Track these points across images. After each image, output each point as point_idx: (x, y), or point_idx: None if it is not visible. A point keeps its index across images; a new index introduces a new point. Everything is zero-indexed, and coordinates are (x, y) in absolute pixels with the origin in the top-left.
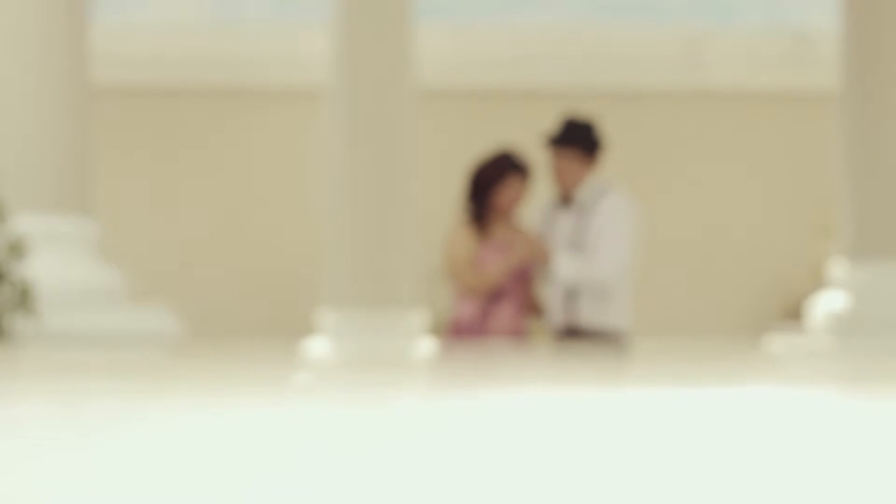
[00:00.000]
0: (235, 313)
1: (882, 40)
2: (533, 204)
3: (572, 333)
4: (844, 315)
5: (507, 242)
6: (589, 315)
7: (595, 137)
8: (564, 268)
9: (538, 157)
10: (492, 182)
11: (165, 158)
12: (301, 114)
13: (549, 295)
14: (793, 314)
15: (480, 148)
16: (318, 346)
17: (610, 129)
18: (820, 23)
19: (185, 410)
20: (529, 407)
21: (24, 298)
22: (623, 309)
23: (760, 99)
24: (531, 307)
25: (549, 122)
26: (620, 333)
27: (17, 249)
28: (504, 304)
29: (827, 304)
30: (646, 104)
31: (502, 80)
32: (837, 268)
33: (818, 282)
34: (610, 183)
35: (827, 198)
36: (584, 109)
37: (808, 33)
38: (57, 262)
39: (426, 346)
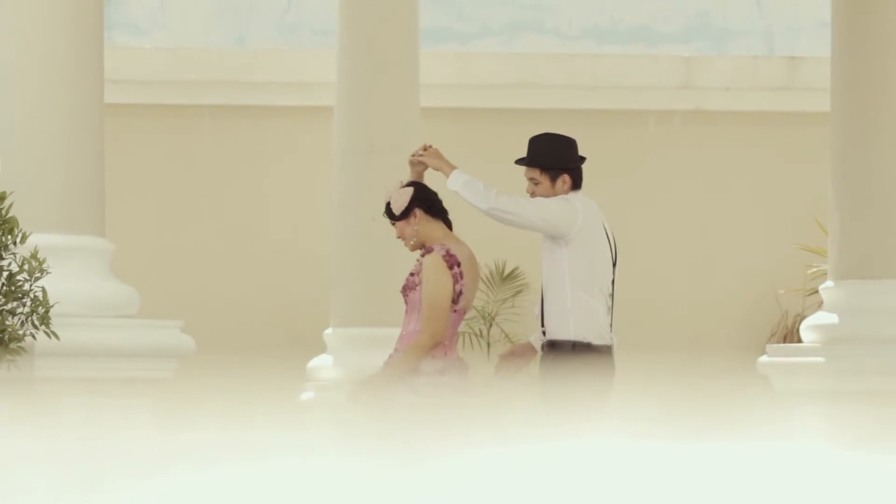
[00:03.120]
0: (243, 330)
1: (873, 64)
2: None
3: (551, 346)
4: (835, 334)
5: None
6: (552, 327)
7: (557, 154)
8: (452, 181)
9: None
10: None
11: (175, 177)
12: (310, 134)
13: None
14: (787, 333)
15: (481, 168)
16: (323, 364)
17: (606, 152)
18: (812, 47)
19: (209, 450)
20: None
21: (39, 314)
22: (588, 321)
23: (754, 121)
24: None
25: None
26: (590, 345)
27: (33, 266)
28: (406, 320)
29: (818, 323)
30: (642, 126)
31: (502, 103)
32: (829, 287)
33: (812, 301)
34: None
35: (821, 218)
36: (582, 131)
37: (800, 58)
38: (72, 278)
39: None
